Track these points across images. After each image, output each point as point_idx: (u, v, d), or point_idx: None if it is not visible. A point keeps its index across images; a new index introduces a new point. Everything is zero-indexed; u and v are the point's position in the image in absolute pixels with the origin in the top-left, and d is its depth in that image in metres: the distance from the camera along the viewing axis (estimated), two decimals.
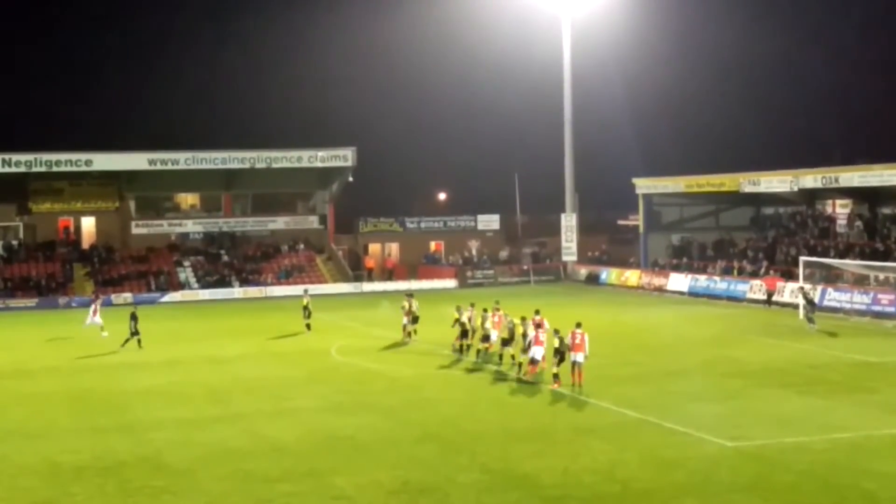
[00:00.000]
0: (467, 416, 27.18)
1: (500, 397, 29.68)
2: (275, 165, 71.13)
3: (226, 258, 70.52)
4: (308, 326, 44.71)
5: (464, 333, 37.32)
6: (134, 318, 41.17)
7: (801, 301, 45.79)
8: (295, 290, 61.03)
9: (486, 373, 33.76)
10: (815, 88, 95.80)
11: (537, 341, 31.55)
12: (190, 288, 66.36)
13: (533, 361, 31.73)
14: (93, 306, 46.56)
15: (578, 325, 30.65)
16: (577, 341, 30.20)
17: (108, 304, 60.76)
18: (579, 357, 30.16)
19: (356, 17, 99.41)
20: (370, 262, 74.10)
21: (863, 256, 52.78)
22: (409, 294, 44.09)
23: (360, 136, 76.68)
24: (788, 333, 42.09)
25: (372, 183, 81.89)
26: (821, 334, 41.62)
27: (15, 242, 69.24)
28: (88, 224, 72.34)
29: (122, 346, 40.71)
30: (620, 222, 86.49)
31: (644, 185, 69.35)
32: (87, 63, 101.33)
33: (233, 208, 75.36)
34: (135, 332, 41.00)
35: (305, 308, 44.69)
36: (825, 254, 54.30)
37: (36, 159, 66.27)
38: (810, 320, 43.42)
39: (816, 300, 46.85)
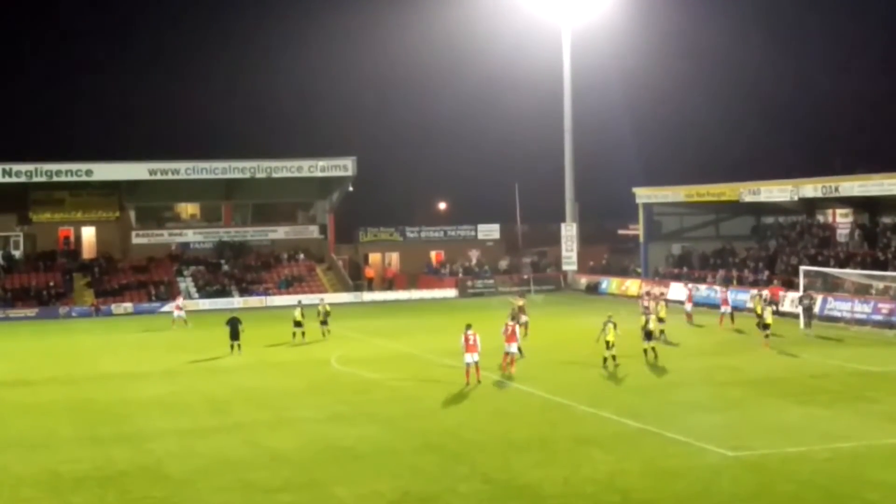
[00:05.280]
0: (468, 425, 27.13)
1: (500, 407, 29.63)
2: (275, 175, 71.17)
3: (226, 268, 70.51)
4: (326, 332, 46.59)
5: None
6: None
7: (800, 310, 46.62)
8: (293, 300, 61.09)
9: (486, 382, 33.66)
10: (816, 98, 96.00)
11: (468, 348, 32.69)
12: (190, 297, 66.31)
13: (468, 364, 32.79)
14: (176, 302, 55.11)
15: (469, 327, 32.86)
16: (471, 342, 32.47)
17: (107, 314, 60.86)
18: (475, 357, 32.48)
19: (357, 27, 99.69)
20: (370, 272, 74.03)
21: (863, 266, 52.75)
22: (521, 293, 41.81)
23: (360, 145, 76.93)
24: (789, 343, 42.02)
25: (372, 192, 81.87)
26: (819, 341, 41.76)
27: (15, 252, 69.28)
28: (89, 234, 72.38)
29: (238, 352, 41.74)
30: (621, 232, 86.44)
31: (644, 195, 69.33)
32: (88, 72, 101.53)
33: (233, 218, 75.39)
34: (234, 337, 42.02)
35: (321, 317, 46.82)
36: (826, 263, 54.26)
37: (36, 169, 66.34)
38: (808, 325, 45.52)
39: (817, 310, 47.32)
